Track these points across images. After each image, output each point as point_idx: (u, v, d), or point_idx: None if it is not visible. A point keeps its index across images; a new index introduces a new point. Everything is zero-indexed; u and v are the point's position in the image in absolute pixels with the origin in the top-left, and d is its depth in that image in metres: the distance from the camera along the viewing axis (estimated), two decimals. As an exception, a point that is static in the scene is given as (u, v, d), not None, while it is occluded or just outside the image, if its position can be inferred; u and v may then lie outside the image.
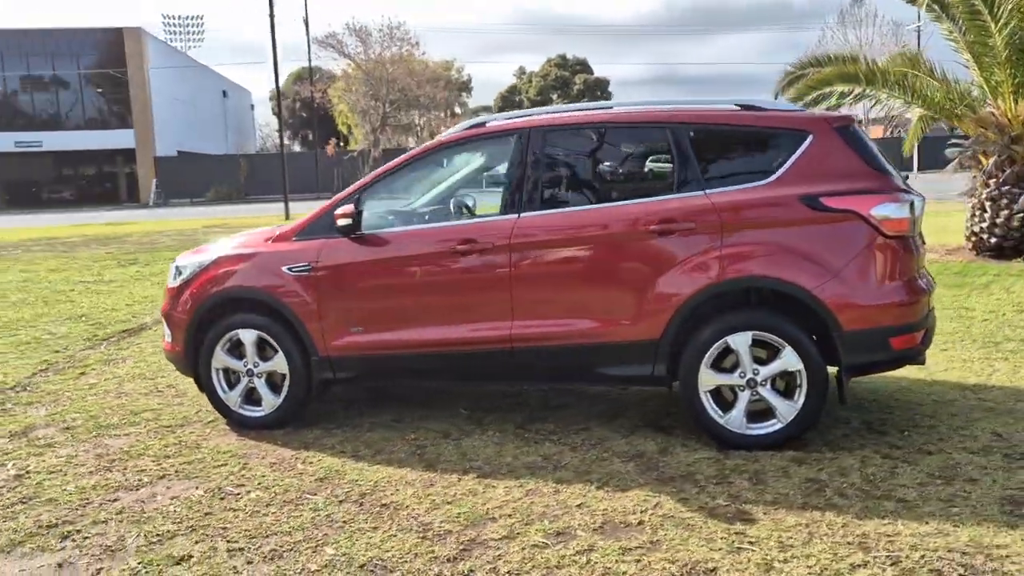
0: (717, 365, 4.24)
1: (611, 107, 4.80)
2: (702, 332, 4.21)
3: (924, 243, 4.96)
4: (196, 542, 3.40)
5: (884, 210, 4.10)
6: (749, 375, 4.19)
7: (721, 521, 3.43)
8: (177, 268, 5.17)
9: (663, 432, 4.53)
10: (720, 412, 4.25)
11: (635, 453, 4.26)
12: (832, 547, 3.17)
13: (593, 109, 4.78)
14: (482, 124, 4.83)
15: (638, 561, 3.11)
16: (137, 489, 4.03)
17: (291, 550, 3.30)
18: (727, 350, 4.19)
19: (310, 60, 40.90)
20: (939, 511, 3.45)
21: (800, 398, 4.15)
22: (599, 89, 60.25)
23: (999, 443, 4.22)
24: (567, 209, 4.52)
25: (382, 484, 3.98)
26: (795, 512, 3.49)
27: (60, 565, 3.27)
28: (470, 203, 4.72)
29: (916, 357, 4.34)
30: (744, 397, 4.23)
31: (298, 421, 4.92)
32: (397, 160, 4.88)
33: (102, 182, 48.12)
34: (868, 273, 4.14)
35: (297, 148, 64.10)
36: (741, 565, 3.06)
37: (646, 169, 4.64)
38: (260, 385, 4.89)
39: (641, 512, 3.55)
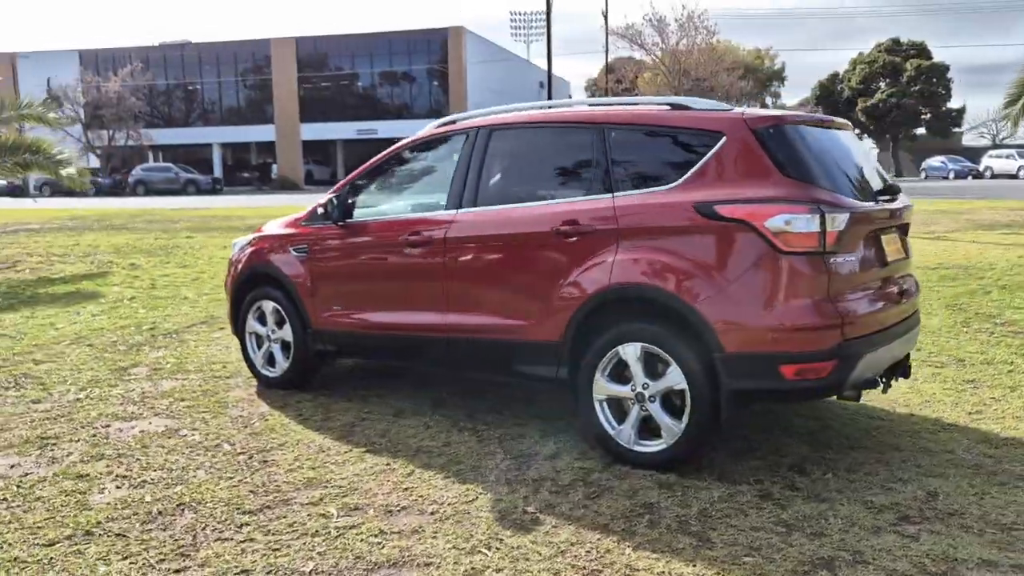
0: (615, 375, 4.10)
1: (550, 107, 4.76)
2: (599, 339, 4.10)
3: (905, 255, 4.32)
4: (108, 462, 4.18)
5: (780, 222, 3.65)
6: (639, 389, 4.01)
7: (512, 527, 3.42)
8: (233, 246, 6.11)
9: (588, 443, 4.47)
10: (615, 424, 4.11)
11: (526, 454, 4.28)
12: (571, 569, 3.07)
13: (537, 109, 4.78)
14: (452, 122, 5.05)
15: (383, 544, 3.27)
16: (129, 420, 4.95)
17: (159, 480, 3.94)
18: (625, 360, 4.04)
19: (607, 53, 41.86)
20: (726, 561, 3.12)
21: (684, 419, 3.89)
22: (934, 76, 53.69)
23: (914, 507, 3.57)
24: (494, 208, 4.61)
25: (287, 444, 4.47)
26: (591, 531, 3.36)
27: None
28: (432, 199, 4.99)
29: (831, 390, 3.80)
30: (634, 411, 4.05)
31: (316, 387, 5.57)
32: (378, 156, 5.30)
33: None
34: (758, 291, 3.72)
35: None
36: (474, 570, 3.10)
37: (567, 170, 4.54)
38: (276, 350, 5.63)
39: (450, 505, 3.66)
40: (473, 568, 3.07)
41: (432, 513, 3.57)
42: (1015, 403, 5.01)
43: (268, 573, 3.06)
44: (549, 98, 24.87)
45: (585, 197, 4.23)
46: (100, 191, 43.50)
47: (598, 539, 3.29)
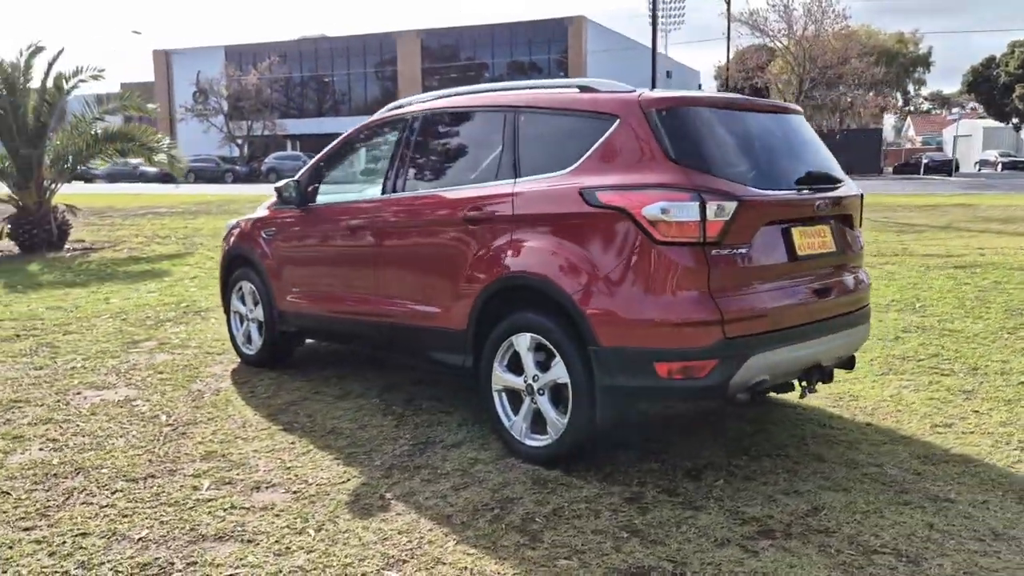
0: (512, 365, 4.02)
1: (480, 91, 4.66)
2: (496, 329, 4.03)
3: (838, 249, 3.98)
4: (50, 426, 4.49)
5: (656, 210, 3.45)
6: (529, 381, 3.92)
7: (355, 512, 3.44)
8: (227, 227, 6.38)
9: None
10: (511, 415, 4.03)
11: (430, 441, 4.26)
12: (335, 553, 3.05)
13: (468, 94, 4.69)
14: (400, 107, 5.06)
15: (225, 519, 3.36)
16: (100, 389, 5.29)
17: (78, 446, 4.20)
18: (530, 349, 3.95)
19: (728, 40, 40.39)
20: (537, 562, 3.00)
21: (566, 415, 3.76)
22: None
23: (785, 521, 3.30)
24: (413, 194, 4.59)
25: (217, 418, 4.65)
26: (428, 521, 3.32)
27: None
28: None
29: (712, 392, 3.55)
30: (526, 404, 3.96)
31: (292, 367, 5.79)
32: (337, 140, 5.38)
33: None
34: (633, 283, 3.53)
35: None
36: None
37: (480, 156, 4.43)
38: (253, 329, 5.86)
39: (318, 486, 3.70)
40: (287, 547, 3.10)
41: (295, 492, 3.63)
42: (994, 418, 4.53)
43: (102, 537, 3.20)
44: (653, 87, 24.25)
45: (492, 183, 4.16)
46: (237, 178, 46.35)
47: (429, 530, 3.25)
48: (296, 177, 5.40)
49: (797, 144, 4.11)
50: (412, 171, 4.66)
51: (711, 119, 3.76)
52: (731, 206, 3.47)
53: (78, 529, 3.27)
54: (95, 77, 14.06)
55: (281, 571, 2.93)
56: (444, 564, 2.98)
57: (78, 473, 3.85)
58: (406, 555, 3.05)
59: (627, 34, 54.91)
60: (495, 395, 4.07)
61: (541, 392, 3.86)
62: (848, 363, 4.28)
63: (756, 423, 4.52)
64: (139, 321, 7.51)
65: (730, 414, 4.66)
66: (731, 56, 50.32)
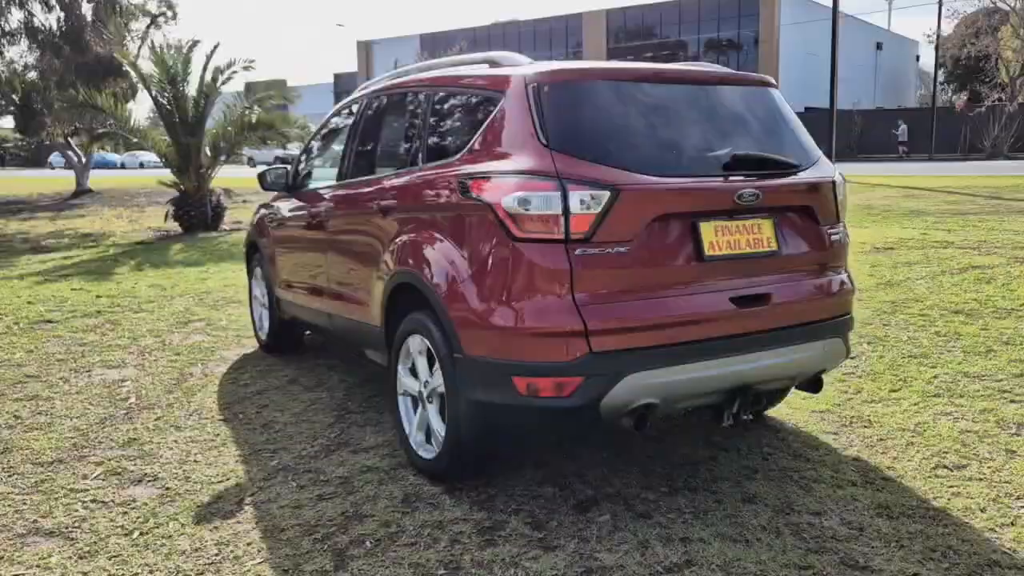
0: (413, 368, 3.69)
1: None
2: (399, 328, 3.72)
3: (809, 248, 3.41)
4: (29, 403, 4.75)
5: (514, 201, 2.98)
6: (421, 387, 3.59)
7: (200, 516, 3.30)
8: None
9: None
10: (412, 422, 3.72)
11: (345, 443, 4.04)
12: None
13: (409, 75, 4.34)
14: (366, 88, 4.81)
15: (70, 513, 3.34)
16: (110, 368, 5.55)
17: (29, 425, 4.40)
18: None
19: (940, 5, 36.12)
20: None
21: (445, 427, 3.39)
22: None
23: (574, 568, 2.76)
24: (352, 180, 4.34)
25: (175, 405, 4.69)
26: (258, 534, 3.12)
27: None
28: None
29: (581, 413, 3.01)
30: (419, 412, 3.63)
31: (305, 355, 5.80)
32: (320, 123, 5.23)
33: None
34: (491, 285, 3.08)
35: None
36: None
37: (399, 141, 4.06)
38: (264, 315, 5.91)
39: (198, 483, 3.60)
40: (97, 550, 3.01)
41: (168, 488, 3.55)
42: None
43: (-48, 519, 3.28)
44: (833, 61, 22.22)
45: (405, 171, 3.84)
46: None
47: (248, 544, 3.03)
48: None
49: (742, 122, 3.44)
50: (355, 157, 4.43)
51: (608, 96, 3.21)
52: (603, 196, 2.93)
53: (-60, 508, 3.37)
54: (246, 68, 14.97)
55: (67, 574, 2.84)
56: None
57: (2, 453, 4.01)
58: (197, 570, 2.85)
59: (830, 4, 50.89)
60: (399, 399, 3.77)
61: (431, 400, 3.52)
62: (812, 385, 3.56)
63: (715, 447, 3.89)
64: (211, 302, 7.85)
65: (690, 432, 4.05)
66: (943, 21, 45.25)
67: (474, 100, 3.49)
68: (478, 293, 3.13)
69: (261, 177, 5.27)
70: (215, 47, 15.18)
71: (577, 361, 2.93)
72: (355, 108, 4.60)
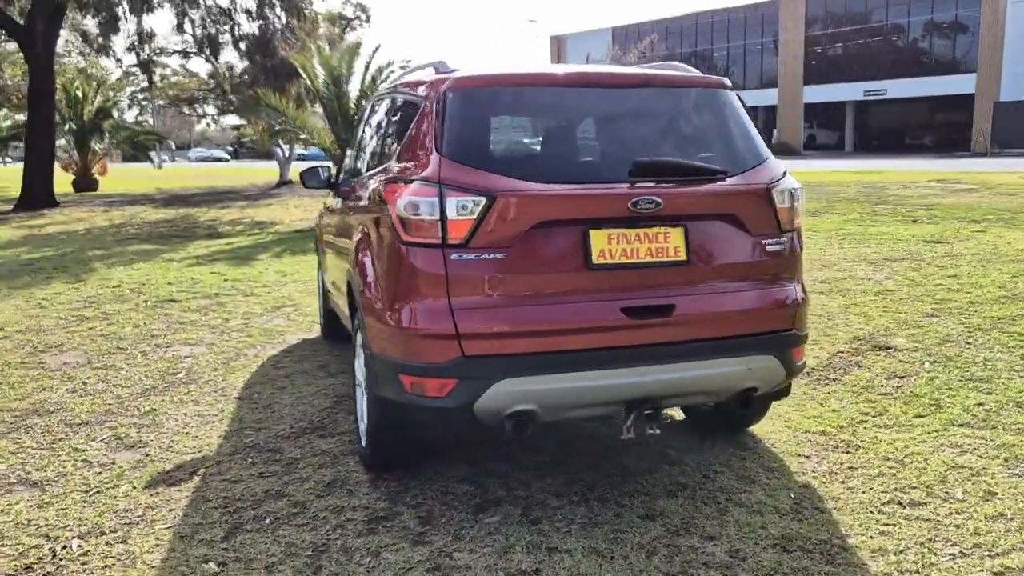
0: (367, 362, 3.92)
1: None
2: (353, 324, 3.95)
3: (730, 258, 3.30)
4: (85, 370, 5.47)
5: (402, 206, 3.10)
6: (360, 379, 3.79)
7: (96, 502, 3.50)
8: (330, 207, 6.95)
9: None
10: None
11: (315, 428, 4.33)
12: None
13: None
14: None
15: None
16: (183, 346, 6.22)
17: (43, 387, 5.07)
18: None
19: None
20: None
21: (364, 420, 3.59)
22: None
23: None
24: (345, 181, 4.59)
25: (192, 382, 5.21)
26: (114, 521, 3.46)
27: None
28: None
29: (459, 415, 3.06)
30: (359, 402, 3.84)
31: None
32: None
33: (934, 129, 46.82)
34: (387, 286, 3.23)
35: None
36: None
37: (381, 142, 4.21)
38: (322, 304, 6.36)
39: (125, 467, 4.03)
40: (49, 501, 3.48)
41: (147, 456, 4.00)
42: (986, 509, 3.21)
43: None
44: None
45: (367, 173, 4.06)
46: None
47: (168, 511, 3.39)
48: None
49: (665, 127, 3.34)
50: (354, 158, 4.72)
51: (509, 104, 3.28)
52: (479, 202, 2.98)
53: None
54: (403, 67, 15.82)
55: (19, 519, 3.33)
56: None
57: (50, 412, 4.67)
58: (112, 528, 3.24)
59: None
60: (356, 390, 4.00)
61: (364, 392, 3.72)
62: (740, 401, 3.38)
63: (665, 459, 3.80)
64: (314, 289, 8.47)
65: (646, 443, 3.95)
66: None
67: (408, 107, 3.64)
68: (377, 294, 3.30)
69: (302, 175, 5.66)
70: (376, 48, 16.25)
71: (451, 363, 3.01)
72: (365, 110, 4.86)
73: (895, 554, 2.92)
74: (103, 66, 34.69)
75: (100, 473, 3.79)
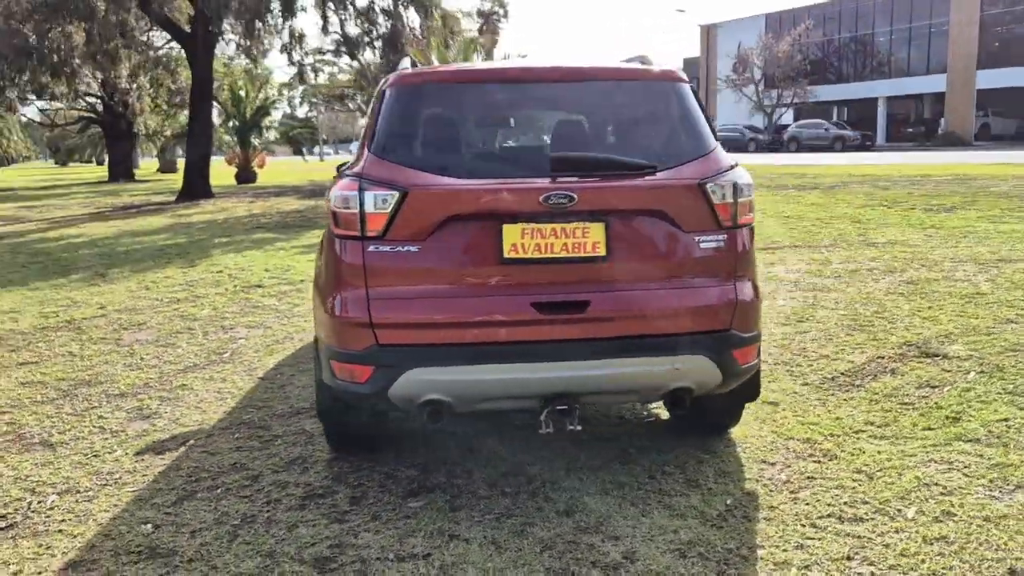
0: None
1: None
2: None
3: (653, 255, 3.26)
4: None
5: (333, 200, 3.28)
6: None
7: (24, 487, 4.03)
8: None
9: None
10: None
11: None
12: None
13: None
14: None
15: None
16: (246, 328, 6.69)
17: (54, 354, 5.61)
18: None
19: None
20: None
21: (327, 403, 3.79)
22: None
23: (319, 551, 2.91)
24: None
25: (244, 360, 5.61)
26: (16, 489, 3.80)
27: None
28: None
29: (376, 400, 3.24)
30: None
31: None
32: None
33: None
34: (324, 276, 3.48)
35: None
36: None
37: None
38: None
39: (95, 435, 4.41)
40: (52, 460, 3.92)
41: (153, 427, 4.40)
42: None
43: None
44: None
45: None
46: (759, 147, 46.39)
47: (142, 476, 3.74)
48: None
49: (597, 121, 3.32)
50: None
51: (438, 100, 3.35)
52: (393, 197, 3.10)
53: None
54: (521, 58, 15.99)
55: (19, 473, 3.78)
56: None
57: (99, 384, 5.20)
58: (86, 487, 3.61)
59: None
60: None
61: None
62: (673, 401, 3.30)
63: (622, 459, 3.76)
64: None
65: (614, 440, 3.92)
66: None
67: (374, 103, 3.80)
68: (318, 283, 3.50)
69: (339, 168, 5.95)
70: (480, 42, 16.32)
71: (367, 351, 3.14)
72: None
73: (799, 569, 2.78)
74: (266, 67, 37.25)
75: (107, 440, 4.21)
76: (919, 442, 3.81)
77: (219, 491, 3.53)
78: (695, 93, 3.47)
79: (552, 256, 3.12)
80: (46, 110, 41.63)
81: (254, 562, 2.92)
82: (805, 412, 4.28)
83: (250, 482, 3.61)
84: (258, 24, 21.03)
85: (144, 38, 25.93)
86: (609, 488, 3.44)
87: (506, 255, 3.11)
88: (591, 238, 3.13)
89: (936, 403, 4.31)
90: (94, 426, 4.41)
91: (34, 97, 31.96)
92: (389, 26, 22.28)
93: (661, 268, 3.22)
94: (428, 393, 3.13)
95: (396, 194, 3.10)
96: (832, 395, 4.54)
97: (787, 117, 50.71)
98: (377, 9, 22.96)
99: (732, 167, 3.32)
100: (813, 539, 2.97)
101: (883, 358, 5.13)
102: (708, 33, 57.02)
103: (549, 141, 3.28)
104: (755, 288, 3.38)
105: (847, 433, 3.97)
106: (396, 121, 3.32)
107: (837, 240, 9.42)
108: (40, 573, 2.91)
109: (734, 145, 46.25)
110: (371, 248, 3.14)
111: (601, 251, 3.14)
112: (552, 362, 3.09)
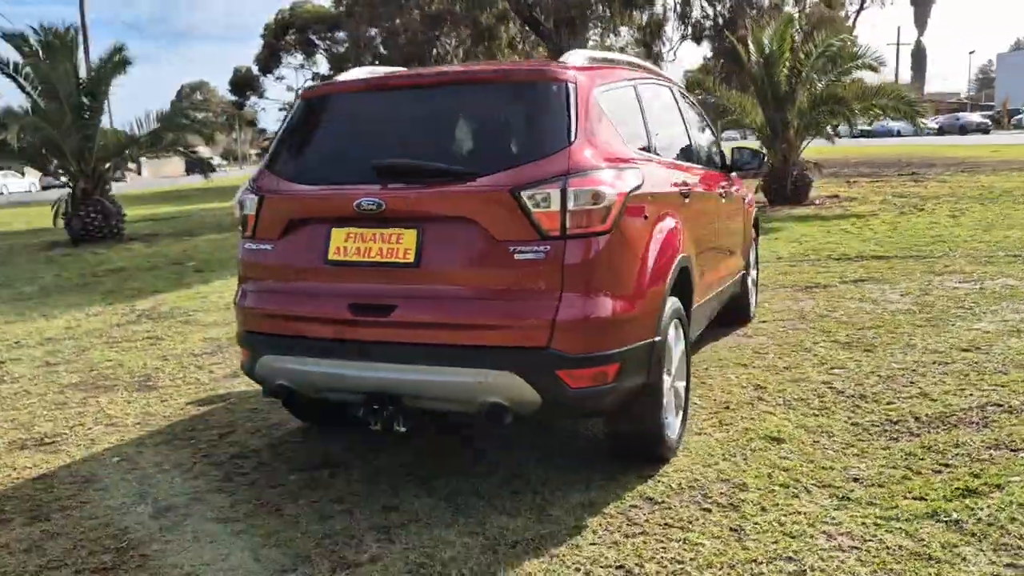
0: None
1: None
2: None
3: (467, 264, 3.14)
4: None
5: (242, 202, 3.62)
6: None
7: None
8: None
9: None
10: None
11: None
12: None
13: None
14: None
15: None
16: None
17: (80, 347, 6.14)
18: None
19: None
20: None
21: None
22: None
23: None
24: None
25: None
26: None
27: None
28: None
29: (250, 376, 3.58)
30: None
31: None
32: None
33: None
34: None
35: None
36: None
37: None
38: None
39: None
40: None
41: (159, 392, 4.90)
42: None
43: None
44: None
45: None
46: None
47: (127, 425, 4.25)
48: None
49: (446, 126, 3.39)
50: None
51: (319, 109, 3.64)
52: (254, 201, 3.45)
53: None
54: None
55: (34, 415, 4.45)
56: None
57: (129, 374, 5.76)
58: (87, 433, 4.17)
59: None
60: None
61: None
62: (489, 416, 3.08)
63: (587, 470, 3.47)
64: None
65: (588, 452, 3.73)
66: None
67: None
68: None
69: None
70: (788, 21, 14.95)
71: (241, 336, 3.56)
72: None
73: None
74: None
75: (114, 403, 4.73)
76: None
77: (176, 446, 4.00)
78: (567, 90, 3.22)
79: (368, 260, 3.17)
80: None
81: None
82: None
83: (214, 445, 3.98)
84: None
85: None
86: (546, 507, 3.31)
87: (330, 257, 3.24)
88: (403, 244, 3.12)
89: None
90: (94, 412, 5.05)
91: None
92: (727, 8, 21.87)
93: (471, 277, 3.08)
94: (278, 379, 3.39)
95: (256, 198, 3.45)
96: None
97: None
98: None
99: (586, 172, 3.03)
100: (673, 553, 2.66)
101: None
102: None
103: (388, 147, 3.32)
104: (605, 305, 3.04)
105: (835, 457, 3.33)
106: (285, 133, 3.65)
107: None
108: None
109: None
110: (245, 245, 3.54)
111: (410, 258, 3.10)
112: (364, 362, 3.16)
